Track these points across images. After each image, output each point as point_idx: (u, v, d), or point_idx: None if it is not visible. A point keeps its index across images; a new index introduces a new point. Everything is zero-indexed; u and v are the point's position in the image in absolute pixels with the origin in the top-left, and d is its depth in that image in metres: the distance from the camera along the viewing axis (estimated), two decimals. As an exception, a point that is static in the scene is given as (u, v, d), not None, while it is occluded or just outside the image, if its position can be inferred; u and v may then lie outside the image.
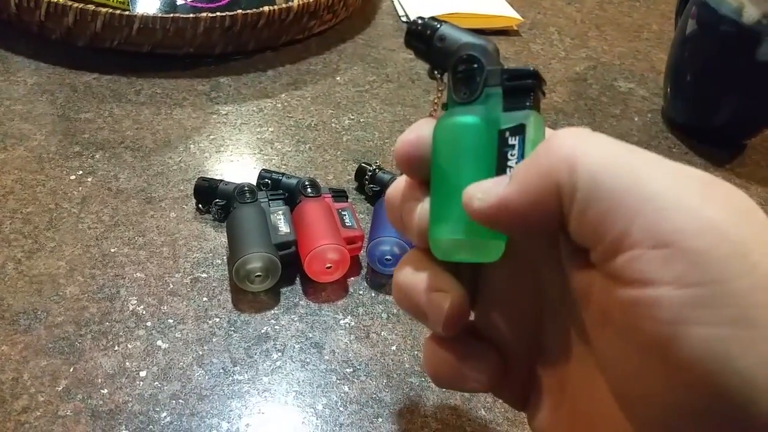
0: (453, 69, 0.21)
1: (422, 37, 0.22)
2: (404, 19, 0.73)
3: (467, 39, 0.21)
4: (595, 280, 0.17)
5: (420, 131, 0.22)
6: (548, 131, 0.20)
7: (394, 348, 0.38)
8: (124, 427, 0.33)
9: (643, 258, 0.15)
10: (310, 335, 0.38)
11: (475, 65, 0.21)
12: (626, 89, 0.66)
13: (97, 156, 0.49)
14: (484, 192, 0.19)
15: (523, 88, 0.20)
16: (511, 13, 0.74)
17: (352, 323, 0.39)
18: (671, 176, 0.16)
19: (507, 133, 0.20)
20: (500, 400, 0.35)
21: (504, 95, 0.20)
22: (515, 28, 0.74)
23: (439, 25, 0.22)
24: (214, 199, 0.44)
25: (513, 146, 0.20)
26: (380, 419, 0.34)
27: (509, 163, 0.20)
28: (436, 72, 0.23)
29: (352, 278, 0.42)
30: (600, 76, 0.67)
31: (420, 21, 0.22)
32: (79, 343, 0.36)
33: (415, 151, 0.22)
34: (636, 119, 0.61)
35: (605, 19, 0.79)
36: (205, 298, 0.39)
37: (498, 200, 0.18)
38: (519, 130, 0.20)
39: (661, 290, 0.15)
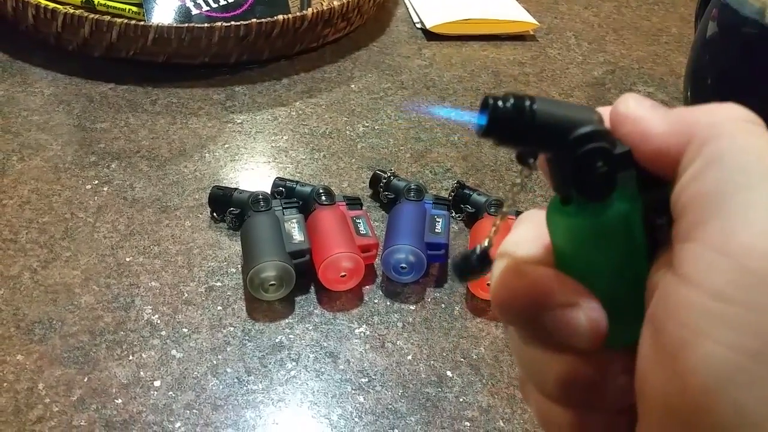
0: (576, 162, 0.17)
1: (516, 123, 0.17)
2: (419, 25, 0.73)
3: (577, 116, 0.18)
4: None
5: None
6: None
7: (409, 357, 0.37)
8: (137, 437, 0.32)
9: (698, 256, 0.15)
10: (325, 344, 0.38)
11: (608, 157, 0.17)
12: (645, 93, 0.65)
13: (112, 165, 0.49)
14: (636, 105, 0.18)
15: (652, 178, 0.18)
16: (527, 18, 0.73)
17: (367, 332, 0.38)
18: None
19: (653, 216, 0.18)
20: (518, 412, 0.34)
21: (638, 177, 0.18)
22: (531, 33, 0.73)
23: (532, 104, 0.17)
24: (228, 207, 0.44)
25: (662, 226, 0.18)
26: (396, 430, 0.33)
27: (660, 244, 0.18)
28: (525, 156, 0.18)
29: (367, 287, 0.41)
30: (619, 81, 0.66)
31: (507, 101, 0.17)
32: (94, 352, 0.36)
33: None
34: (655, 124, 0.60)
35: (623, 23, 0.78)
36: (219, 307, 0.39)
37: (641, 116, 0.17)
38: (664, 208, 0.17)
39: (699, 296, 0.15)
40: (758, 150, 0.16)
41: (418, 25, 0.73)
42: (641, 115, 0.17)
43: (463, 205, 0.46)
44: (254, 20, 0.58)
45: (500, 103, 0.17)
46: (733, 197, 0.15)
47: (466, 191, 0.46)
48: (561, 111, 0.17)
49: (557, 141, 0.17)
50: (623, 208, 0.17)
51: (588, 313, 0.17)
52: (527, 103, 0.17)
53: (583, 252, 0.18)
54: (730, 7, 0.52)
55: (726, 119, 0.16)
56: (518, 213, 0.17)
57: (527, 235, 0.20)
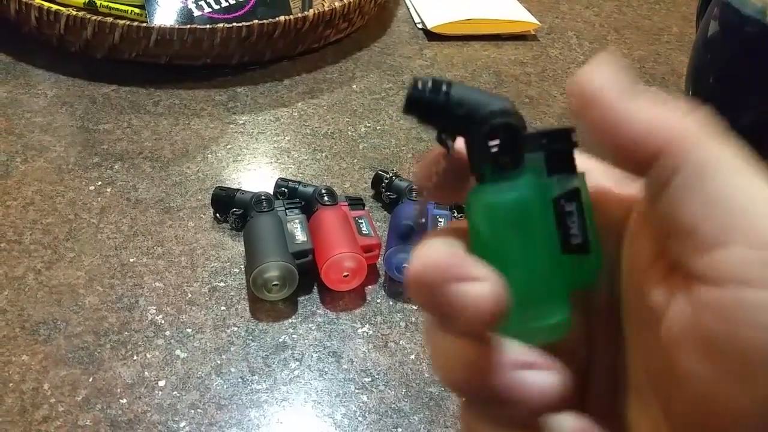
0: (484, 139, 0.19)
1: (432, 102, 0.19)
2: (420, 26, 0.73)
3: (489, 101, 0.19)
4: (669, 291, 0.16)
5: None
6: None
7: (412, 357, 0.37)
8: (142, 437, 0.33)
9: (745, 256, 0.15)
10: (328, 344, 0.38)
11: (514, 133, 0.18)
12: (646, 93, 0.65)
13: (116, 167, 0.49)
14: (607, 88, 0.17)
15: (565, 149, 0.19)
16: (528, 17, 0.74)
17: (370, 332, 0.39)
18: None
19: (562, 201, 0.18)
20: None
21: (547, 160, 0.19)
22: (533, 32, 0.74)
23: (448, 88, 0.19)
24: (231, 208, 0.44)
25: (571, 213, 0.18)
26: (400, 429, 0.34)
27: (571, 232, 0.18)
28: (444, 137, 0.19)
29: (370, 287, 0.41)
30: (619, 80, 0.66)
31: (426, 83, 0.19)
32: (98, 352, 0.36)
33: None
34: (657, 123, 0.60)
35: (624, 23, 0.78)
36: (223, 307, 0.39)
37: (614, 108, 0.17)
38: (573, 195, 0.18)
39: (763, 293, 0.14)
40: (732, 152, 0.16)
41: (419, 26, 0.73)
42: (610, 104, 0.17)
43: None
44: (256, 21, 0.59)
45: (420, 84, 0.19)
46: (739, 199, 0.15)
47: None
48: (474, 95, 0.19)
49: (468, 121, 0.19)
50: (526, 188, 0.18)
51: (486, 287, 0.17)
52: (444, 86, 0.19)
53: (490, 232, 0.19)
54: (732, 6, 0.52)
55: (697, 125, 0.16)
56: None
57: (451, 223, 0.19)
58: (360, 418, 0.34)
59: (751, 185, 0.15)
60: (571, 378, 0.17)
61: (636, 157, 0.17)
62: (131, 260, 0.42)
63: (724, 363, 0.15)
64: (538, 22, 0.73)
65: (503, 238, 0.18)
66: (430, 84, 0.19)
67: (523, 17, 0.73)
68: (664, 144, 0.16)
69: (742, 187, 0.15)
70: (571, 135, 0.19)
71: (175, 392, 0.35)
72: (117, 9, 0.64)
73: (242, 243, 0.43)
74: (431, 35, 0.71)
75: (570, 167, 0.19)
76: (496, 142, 0.18)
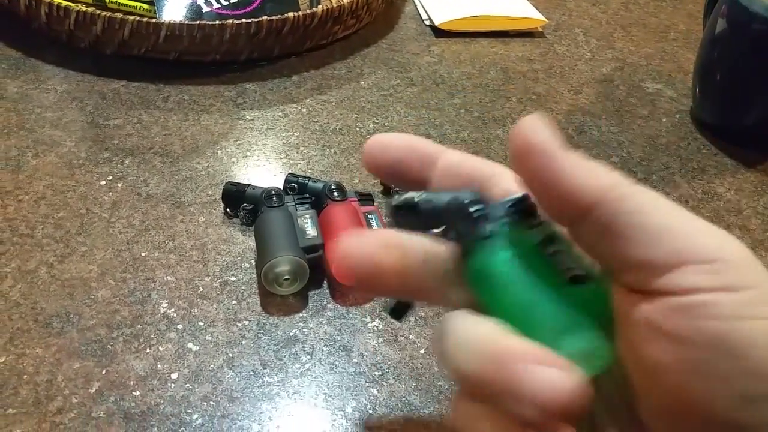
0: (467, 221, 0.22)
1: (411, 217, 0.23)
2: (427, 22, 0.73)
3: (456, 195, 0.22)
4: (632, 301, 0.19)
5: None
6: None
7: (422, 351, 0.38)
8: (156, 428, 0.33)
9: (696, 271, 0.18)
10: (339, 338, 0.38)
11: (480, 209, 0.22)
12: (654, 90, 0.65)
13: (126, 162, 0.50)
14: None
15: (530, 207, 0.21)
16: (535, 14, 0.74)
17: (380, 326, 0.39)
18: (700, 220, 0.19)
19: (543, 246, 0.21)
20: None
21: (519, 219, 0.21)
22: (540, 29, 0.74)
23: (418, 197, 0.23)
24: (242, 203, 0.44)
25: (557, 252, 0.21)
26: (411, 422, 0.34)
27: (564, 267, 0.20)
28: (444, 231, 0.23)
29: (380, 281, 0.42)
30: (627, 77, 0.66)
31: (399, 208, 0.23)
32: (111, 345, 0.37)
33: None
34: (664, 120, 0.60)
35: (631, 20, 0.78)
36: (234, 301, 0.40)
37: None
38: (552, 237, 0.21)
39: (717, 294, 0.18)
40: (659, 196, 0.19)
41: (427, 22, 0.73)
42: (552, 155, 0.19)
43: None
44: (265, 18, 0.59)
45: (395, 209, 0.24)
46: (681, 227, 0.19)
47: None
48: (439, 197, 0.23)
49: (448, 215, 0.22)
50: (514, 244, 0.21)
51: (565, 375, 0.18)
52: (414, 196, 0.23)
53: (501, 285, 0.21)
54: (740, 3, 0.52)
55: (624, 179, 0.19)
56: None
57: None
58: (370, 411, 0.34)
59: (685, 216, 0.19)
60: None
61: (572, 207, 0.19)
62: (143, 254, 0.42)
63: (690, 351, 0.18)
64: (545, 19, 0.73)
65: (512, 287, 0.20)
66: (402, 206, 0.23)
67: (531, 14, 0.74)
68: (600, 195, 0.19)
69: (679, 218, 0.19)
70: (529, 197, 0.21)
71: (187, 385, 0.35)
72: (126, 5, 0.64)
73: (253, 238, 0.43)
74: (439, 32, 0.71)
75: (538, 219, 0.21)
76: (477, 218, 0.21)
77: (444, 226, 0.23)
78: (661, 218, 0.19)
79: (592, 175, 0.19)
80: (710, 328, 0.18)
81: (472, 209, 0.21)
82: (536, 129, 0.20)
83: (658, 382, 0.19)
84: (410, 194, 0.23)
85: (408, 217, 0.23)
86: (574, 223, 0.20)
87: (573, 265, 0.20)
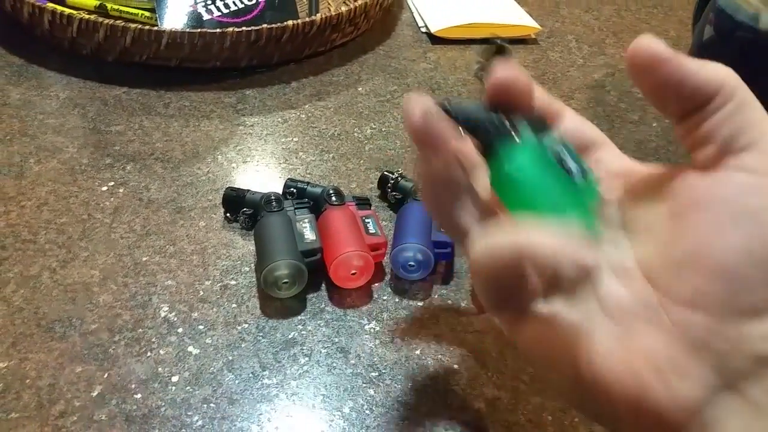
0: (500, 125, 0.26)
1: (445, 113, 0.26)
2: (423, 30, 0.74)
3: (481, 106, 0.27)
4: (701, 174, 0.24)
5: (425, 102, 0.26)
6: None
7: (418, 352, 0.38)
8: (157, 431, 0.34)
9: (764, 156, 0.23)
10: (336, 340, 0.39)
11: (513, 116, 0.26)
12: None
13: (128, 167, 0.50)
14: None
15: (542, 120, 0.27)
16: (529, 22, 0.75)
17: (377, 328, 0.40)
18: None
19: (554, 149, 0.25)
20: (522, 403, 0.36)
21: (533, 130, 0.26)
22: (533, 36, 0.75)
23: (451, 106, 0.27)
24: (241, 208, 0.45)
25: (563, 154, 0.25)
26: (406, 422, 0.35)
27: (570, 167, 0.25)
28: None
29: (376, 284, 0.43)
30: (618, 83, 0.67)
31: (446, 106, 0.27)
32: (113, 349, 0.37)
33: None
34: (654, 125, 0.61)
35: (623, 27, 0.79)
36: (234, 305, 0.40)
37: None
38: (558, 142, 0.26)
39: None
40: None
41: (423, 30, 0.74)
42: (677, 62, 0.24)
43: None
44: (265, 26, 0.60)
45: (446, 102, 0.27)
46: (763, 125, 0.23)
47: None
48: (470, 105, 0.27)
49: (477, 120, 0.26)
50: (535, 146, 0.25)
51: None
52: (447, 106, 0.26)
53: (526, 179, 0.25)
54: (726, 12, 0.53)
55: (735, 75, 0.24)
56: None
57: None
58: (367, 411, 0.35)
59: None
60: None
61: (698, 98, 0.23)
62: (144, 259, 0.43)
63: (751, 225, 0.22)
64: (539, 26, 0.74)
65: (541, 183, 0.25)
66: (448, 104, 0.26)
67: (525, 21, 0.75)
68: (720, 85, 0.23)
69: (764, 118, 0.23)
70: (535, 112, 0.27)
71: (188, 387, 0.36)
72: (127, 12, 0.65)
73: (252, 242, 0.44)
74: (434, 39, 0.72)
75: (549, 130, 0.26)
76: (507, 124, 0.26)
77: (475, 131, 0.26)
78: (754, 113, 0.23)
79: (712, 71, 0.23)
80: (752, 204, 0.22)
81: (505, 120, 0.26)
82: (656, 43, 0.23)
83: (686, 235, 0.23)
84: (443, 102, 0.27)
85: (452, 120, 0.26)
86: (696, 110, 0.23)
87: (575, 166, 0.25)
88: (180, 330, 0.39)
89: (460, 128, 0.26)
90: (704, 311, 0.22)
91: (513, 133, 0.25)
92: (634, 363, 0.22)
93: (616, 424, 0.24)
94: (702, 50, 0.57)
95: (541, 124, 0.26)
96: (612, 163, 0.27)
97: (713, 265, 0.22)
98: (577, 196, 0.25)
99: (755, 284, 0.21)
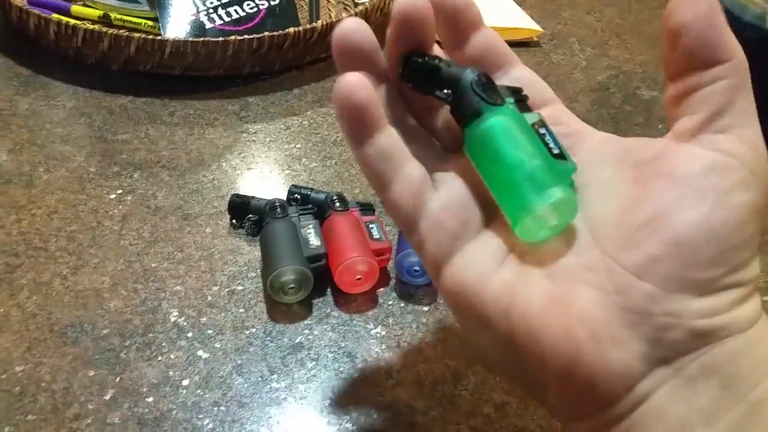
0: (477, 84, 0.26)
1: (427, 68, 0.27)
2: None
3: (464, 66, 0.27)
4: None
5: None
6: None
7: (424, 357, 0.39)
8: (169, 433, 0.34)
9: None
10: (343, 344, 0.39)
11: (492, 81, 0.27)
12: (649, 97, 0.66)
13: (135, 175, 0.51)
14: None
15: (525, 97, 0.28)
16: (531, 24, 0.75)
17: (383, 333, 0.40)
18: None
19: (536, 126, 0.26)
20: (531, 408, 0.36)
21: (516, 103, 0.26)
22: (536, 39, 0.75)
23: (437, 58, 0.27)
24: (247, 214, 0.46)
25: (545, 134, 0.25)
26: (415, 427, 0.35)
27: (551, 146, 0.25)
28: (444, 92, 0.27)
29: (381, 289, 0.43)
30: (622, 85, 0.68)
31: (421, 56, 0.28)
32: (124, 354, 0.38)
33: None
34: (660, 126, 0.62)
35: (625, 28, 0.79)
36: (241, 310, 0.41)
37: None
38: (542, 123, 0.26)
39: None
40: None
41: (425, 34, 0.75)
42: (719, 12, 0.25)
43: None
44: (266, 33, 0.60)
45: (415, 56, 0.28)
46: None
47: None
48: (453, 63, 0.27)
49: (458, 77, 0.26)
50: (513, 111, 0.26)
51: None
52: (433, 57, 0.27)
53: (500, 142, 0.25)
54: (732, 12, 0.53)
55: (747, 65, 0.25)
56: None
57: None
58: (374, 416, 0.36)
59: None
60: None
61: (708, 54, 0.24)
62: (153, 265, 0.44)
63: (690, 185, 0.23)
64: (541, 29, 0.75)
65: (512, 145, 0.25)
66: (424, 56, 0.27)
67: (527, 24, 0.75)
68: (731, 56, 0.24)
69: (750, 109, 0.24)
70: (522, 90, 0.28)
71: (198, 391, 0.36)
72: (131, 22, 0.66)
73: (258, 248, 0.45)
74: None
75: (530, 109, 0.27)
76: (484, 85, 0.26)
77: (448, 90, 0.26)
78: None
79: (733, 39, 0.25)
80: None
81: (485, 80, 0.26)
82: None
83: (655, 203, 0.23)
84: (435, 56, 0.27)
85: (418, 73, 0.27)
86: (697, 69, 0.24)
87: (554, 145, 0.25)
88: (189, 334, 0.39)
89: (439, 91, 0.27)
90: (650, 280, 0.21)
91: (500, 99, 0.26)
92: (570, 325, 0.22)
93: (545, 393, 0.23)
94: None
95: (524, 106, 0.27)
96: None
97: (670, 235, 0.22)
98: (553, 168, 0.25)
99: (706, 261, 0.21)
